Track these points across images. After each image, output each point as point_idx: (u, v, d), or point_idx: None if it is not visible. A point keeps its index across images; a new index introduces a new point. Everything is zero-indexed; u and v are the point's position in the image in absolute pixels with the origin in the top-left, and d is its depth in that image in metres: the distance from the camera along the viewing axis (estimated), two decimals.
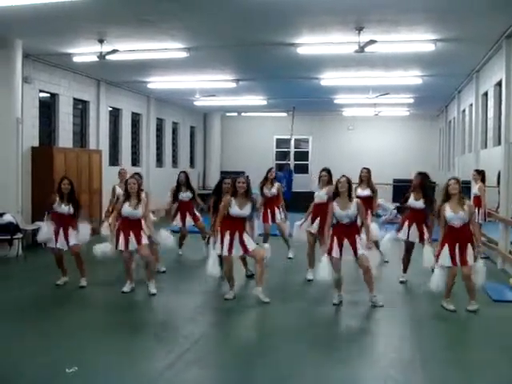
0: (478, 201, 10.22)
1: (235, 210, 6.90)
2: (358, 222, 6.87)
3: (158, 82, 14.62)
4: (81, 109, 13.99)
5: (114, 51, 9.73)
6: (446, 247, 6.52)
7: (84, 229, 7.76)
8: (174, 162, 19.86)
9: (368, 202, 8.60)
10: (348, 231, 6.73)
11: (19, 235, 9.98)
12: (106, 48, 9.83)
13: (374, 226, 8.48)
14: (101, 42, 9.75)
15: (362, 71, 12.58)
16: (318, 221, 8.02)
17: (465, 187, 7.40)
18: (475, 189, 10.54)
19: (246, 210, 6.94)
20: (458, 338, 5.93)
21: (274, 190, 9.78)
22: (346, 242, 6.69)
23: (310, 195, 8.74)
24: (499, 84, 10.67)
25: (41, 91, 12.14)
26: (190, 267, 9.43)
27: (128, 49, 10.15)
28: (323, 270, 6.73)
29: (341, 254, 6.70)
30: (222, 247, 6.91)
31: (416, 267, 7.90)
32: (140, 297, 7.34)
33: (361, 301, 7.01)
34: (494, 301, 7.09)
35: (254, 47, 10.45)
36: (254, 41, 9.95)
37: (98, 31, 9.36)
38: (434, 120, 21.49)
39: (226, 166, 22.10)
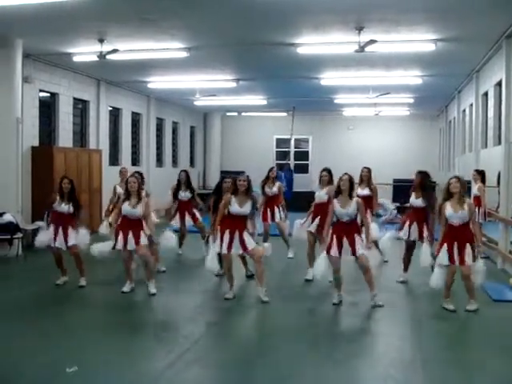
0: (478, 201, 10.21)
1: (235, 207, 6.90)
2: (358, 220, 6.88)
3: (158, 82, 14.62)
4: (81, 108, 13.99)
5: (114, 51, 9.73)
6: (445, 246, 6.53)
7: (82, 235, 7.74)
8: (174, 162, 19.85)
9: (367, 202, 8.59)
10: (348, 229, 6.73)
11: (19, 235, 9.98)
12: (106, 47, 9.82)
13: (373, 226, 8.48)
14: (101, 41, 9.74)
15: (362, 71, 12.57)
16: (317, 220, 8.03)
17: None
18: (475, 189, 10.53)
19: (246, 208, 6.94)
20: (458, 338, 5.93)
21: (275, 188, 9.80)
22: (345, 241, 6.69)
23: (310, 195, 8.74)
24: (499, 84, 10.67)
25: (41, 91, 12.14)
26: (190, 267, 9.42)
27: (128, 48, 10.15)
28: (319, 265, 6.78)
29: (340, 253, 6.71)
30: (221, 245, 6.93)
31: (416, 267, 7.89)
32: (140, 297, 7.34)
33: (361, 301, 7.01)
34: (494, 301, 7.09)
35: (254, 47, 10.45)
36: (254, 40, 9.94)
37: (98, 31, 9.36)
38: (434, 120, 21.49)
39: (226, 166, 22.08)
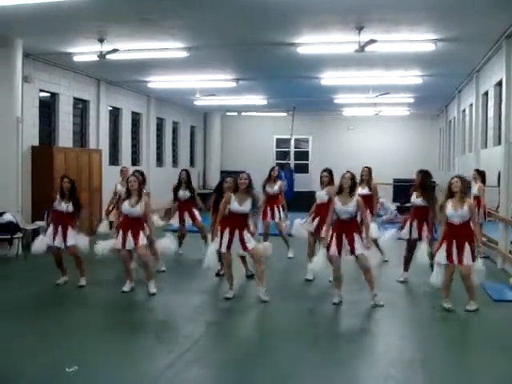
0: (478, 201, 10.20)
1: (235, 205, 6.90)
2: (358, 218, 6.89)
3: (158, 82, 14.61)
4: (81, 108, 13.99)
5: (114, 50, 9.73)
6: (444, 245, 6.54)
7: (81, 240, 7.73)
8: (174, 162, 19.85)
9: (367, 201, 8.59)
10: (347, 227, 6.74)
11: (19, 235, 9.97)
12: (106, 47, 9.82)
13: (372, 226, 8.47)
14: (101, 41, 9.74)
15: (362, 71, 12.57)
16: (317, 220, 8.02)
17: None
18: (474, 189, 10.53)
19: (246, 207, 6.93)
20: (458, 338, 5.92)
21: (276, 187, 9.82)
22: (344, 239, 6.69)
23: (311, 195, 8.75)
24: (499, 84, 10.67)
25: (41, 91, 12.14)
26: (190, 266, 9.41)
27: (128, 48, 10.14)
28: (317, 261, 6.81)
29: (339, 253, 6.71)
30: (221, 243, 6.93)
31: (416, 267, 7.90)
32: (140, 296, 7.34)
33: (361, 300, 7.01)
34: (494, 300, 7.09)
35: (254, 47, 10.45)
36: (254, 40, 9.95)
37: (98, 30, 9.36)
38: (434, 120, 21.49)
39: (226, 166, 22.08)
